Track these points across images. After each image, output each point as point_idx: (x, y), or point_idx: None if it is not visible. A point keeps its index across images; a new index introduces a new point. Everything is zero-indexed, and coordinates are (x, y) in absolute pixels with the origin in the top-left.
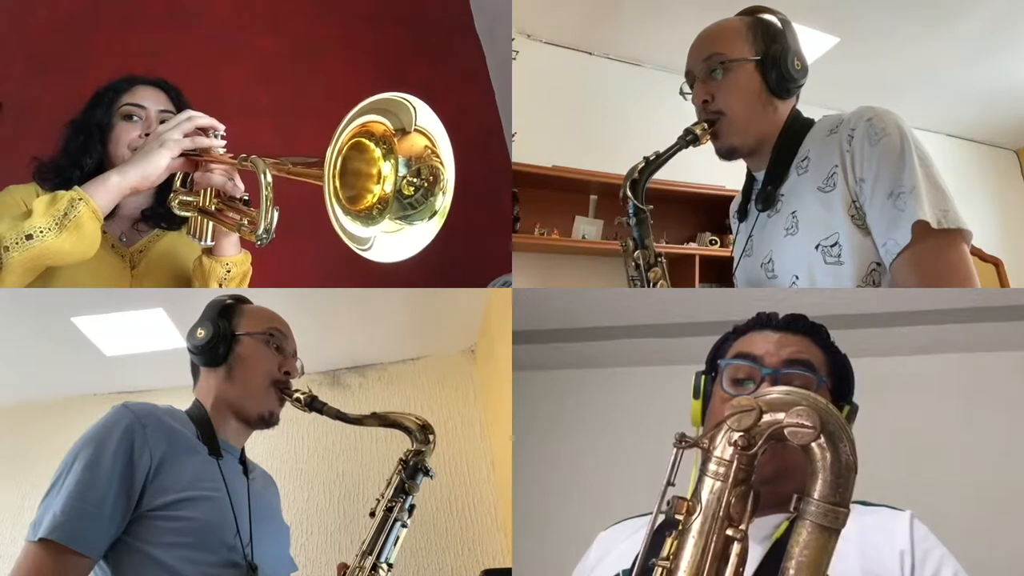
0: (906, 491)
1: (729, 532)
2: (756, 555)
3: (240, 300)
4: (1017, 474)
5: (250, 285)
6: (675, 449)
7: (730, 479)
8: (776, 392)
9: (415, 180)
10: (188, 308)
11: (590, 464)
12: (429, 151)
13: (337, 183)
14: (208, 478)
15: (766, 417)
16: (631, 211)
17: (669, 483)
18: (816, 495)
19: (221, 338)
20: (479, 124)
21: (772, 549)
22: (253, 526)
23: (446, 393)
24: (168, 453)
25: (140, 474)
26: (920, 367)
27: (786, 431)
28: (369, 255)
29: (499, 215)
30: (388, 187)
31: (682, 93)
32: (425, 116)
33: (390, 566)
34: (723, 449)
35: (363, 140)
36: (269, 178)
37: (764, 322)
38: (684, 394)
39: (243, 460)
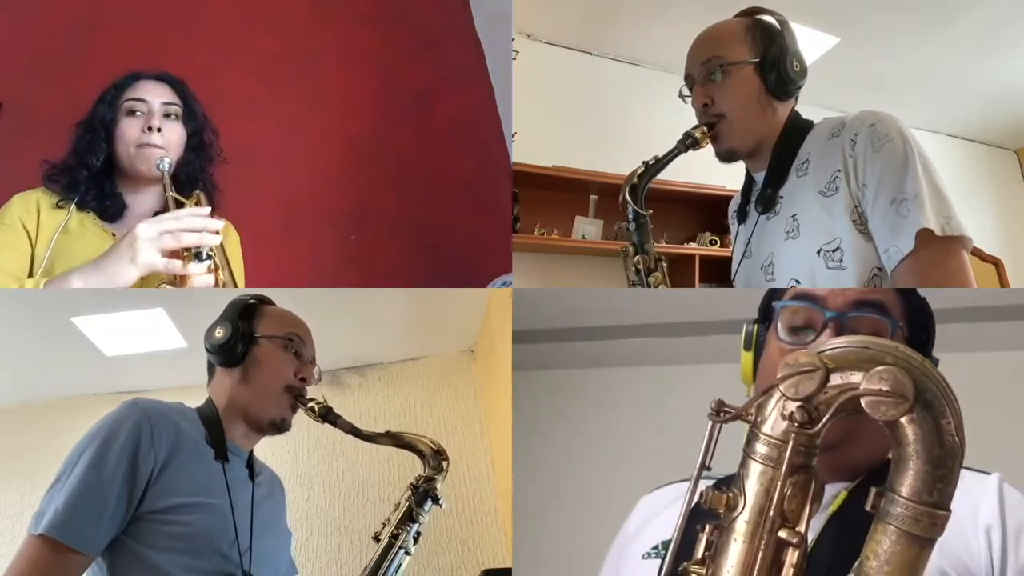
0: None
1: (782, 534)
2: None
3: (263, 300)
4: (1017, 474)
5: (250, 285)
6: (711, 422)
7: (784, 465)
8: (847, 343)
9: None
10: (188, 308)
11: (590, 464)
12: None
13: None
14: (211, 484)
15: (834, 379)
16: (631, 216)
17: (704, 466)
18: (904, 491)
19: (239, 339)
20: (479, 124)
21: (828, 524)
22: (253, 534)
23: (446, 393)
24: (173, 455)
25: (143, 476)
26: None
27: (864, 401)
28: None
29: (499, 215)
30: None
31: (681, 96)
32: None
33: None
34: (774, 424)
35: None
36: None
37: None
38: (685, 393)
39: (250, 464)
